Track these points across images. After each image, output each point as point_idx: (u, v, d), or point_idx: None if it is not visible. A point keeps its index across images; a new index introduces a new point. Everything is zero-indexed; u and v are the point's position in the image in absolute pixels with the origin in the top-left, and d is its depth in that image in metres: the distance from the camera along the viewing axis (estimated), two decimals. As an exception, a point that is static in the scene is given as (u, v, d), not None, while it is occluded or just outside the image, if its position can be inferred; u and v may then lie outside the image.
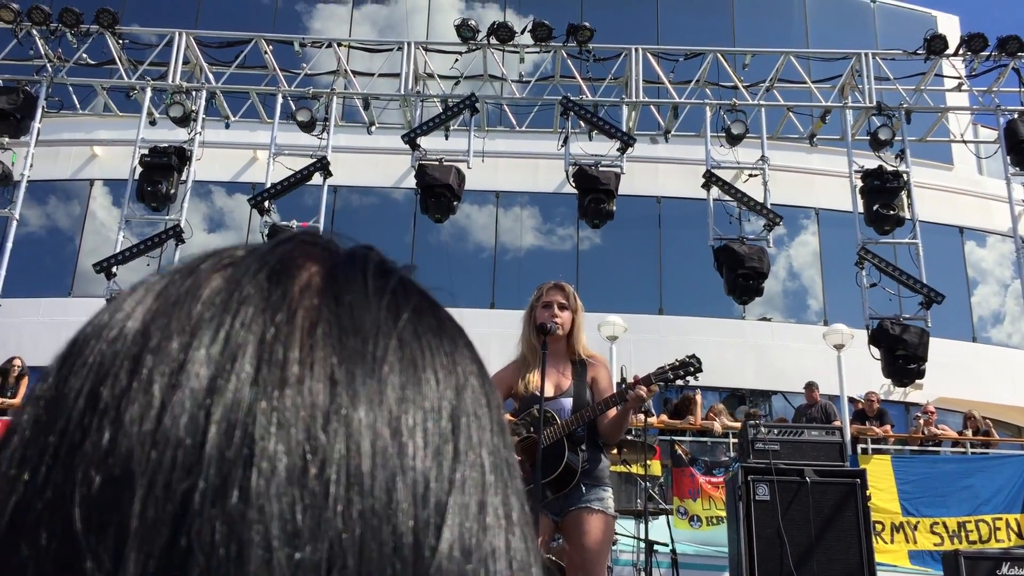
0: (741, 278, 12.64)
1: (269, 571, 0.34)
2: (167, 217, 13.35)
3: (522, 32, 14.11)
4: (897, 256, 13.86)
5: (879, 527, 11.29)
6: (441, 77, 14.73)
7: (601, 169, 13.19)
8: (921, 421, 14.62)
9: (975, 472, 12.33)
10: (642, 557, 8.50)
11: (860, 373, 14.40)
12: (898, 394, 15.67)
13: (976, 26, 31.96)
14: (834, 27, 22.60)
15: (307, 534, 0.35)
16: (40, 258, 20.21)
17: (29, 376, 13.60)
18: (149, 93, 14.02)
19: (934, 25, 20.05)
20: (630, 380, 4.93)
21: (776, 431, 8.08)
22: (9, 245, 13.20)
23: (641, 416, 8.35)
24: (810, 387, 14.16)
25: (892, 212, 13.13)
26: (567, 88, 14.43)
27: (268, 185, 13.35)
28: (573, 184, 13.31)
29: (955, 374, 18.28)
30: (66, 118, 15.35)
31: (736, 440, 11.55)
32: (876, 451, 13.42)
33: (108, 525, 0.35)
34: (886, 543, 11.49)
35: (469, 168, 13.32)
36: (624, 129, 13.71)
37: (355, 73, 14.99)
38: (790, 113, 15.04)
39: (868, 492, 7.72)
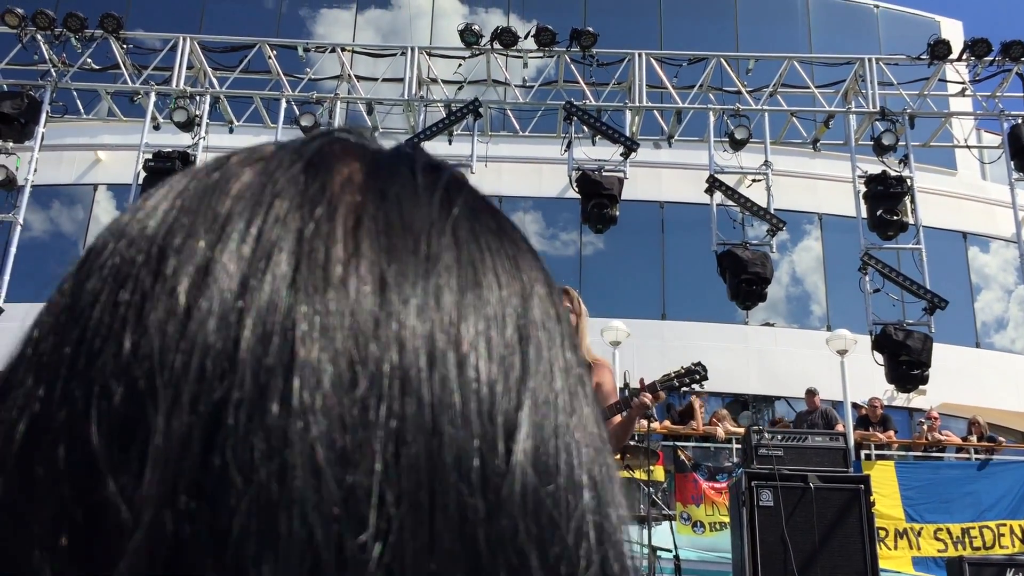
0: (744, 283, 12.63)
1: (317, 496, 0.31)
2: (170, 222, 13.35)
3: (525, 37, 14.13)
4: (900, 261, 13.84)
5: (883, 533, 11.27)
6: (444, 82, 14.75)
7: (604, 174, 13.20)
8: (925, 427, 14.60)
9: (979, 478, 12.31)
10: (645, 563, 8.48)
11: (863, 379, 14.38)
12: (901, 400, 15.66)
13: (980, 31, 31.96)
14: (837, 32, 22.61)
15: (357, 454, 0.32)
16: (43, 263, 20.23)
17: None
18: (153, 98, 14.05)
19: (937, 30, 20.07)
20: (635, 385, 4.92)
21: (780, 437, 8.07)
22: (13, 250, 13.23)
23: (644, 421, 8.34)
24: (811, 393, 14.14)
25: (895, 217, 13.12)
26: (570, 93, 14.44)
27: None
28: (576, 189, 13.32)
29: (959, 380, 18.25)
30: (70, 123, 15.39)
31: (739, 446, 11.53)
32: (880, 457, 13.39)
33: (131, 443, 0.32)
34: (890, 549, 11.46)
35: (472, 173, 13.33)
36: (627, 134, 13.71)
37: (359, 78, 15.02)
38: (793, 118, 15.04)
39: (872, 498, 7.70)
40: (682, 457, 12.59)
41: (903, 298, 13.05)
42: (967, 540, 11.68)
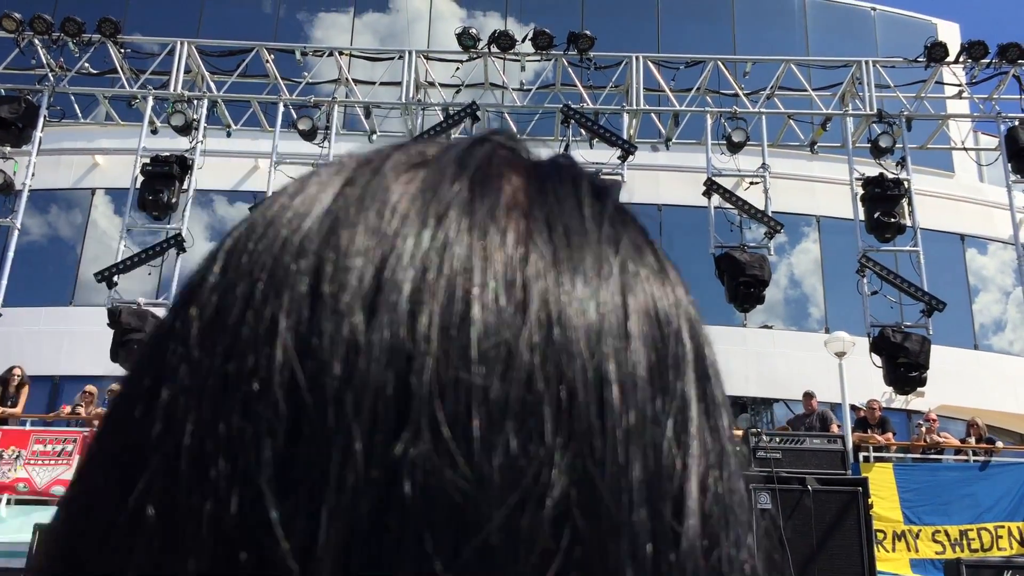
0: (742, 286, 12.64)
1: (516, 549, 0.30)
2: (168, 226, 13.36)
3: (523, 40, 14.15)
4: (898, 264, 13.85)
5: (881, 535, 11.25)
6: (442, 85, 14.77)
7: (602, 177, 13.20)
8: (923, 429, 14.57)
9: (977, 480, 12.29)
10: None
11: (862, 381, 14.37)
12: (900, 402, 15.65)
13: (976, 33, 32.01)
14: (834, 35, 22.64)
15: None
16: (41, 267, 20.22)
17: (29, 385, 13.58)
18: (151, 102, 14.06)
19: (934, 33, 20.09)
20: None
21: (778, 439, 8.07)
22: (10, 254, 13.22)
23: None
24: (808, 396, 14.12)
25: (893, 220, 13.14)
26: (568, 96, 14.45)
27: (269, 194, 13.36)
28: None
29: (957, 382, 18.25)
30: (68, 127, 15.40)
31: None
32: (878, 459, 13.36)
33: (296, 488, 0.30)
34: (888, 551, 11.44)
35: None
36: (625, 137, 13.73)
37: (356, 82, 15.03)
38: (791, 121, 15.06)
39: (870, 500, 7.70)
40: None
41: (901, 300, 13.05)
42: (965, 542, 11.66)
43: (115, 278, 12.63)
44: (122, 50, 14.21)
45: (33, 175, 13.55)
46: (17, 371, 13.63)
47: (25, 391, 13.41)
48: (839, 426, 13.13)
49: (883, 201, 13.21)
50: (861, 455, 13.35)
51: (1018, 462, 13.88)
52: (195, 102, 14.06)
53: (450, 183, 0.35)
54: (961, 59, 14.24)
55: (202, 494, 0.30)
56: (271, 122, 14.48)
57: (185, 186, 13.44)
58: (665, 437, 0.33)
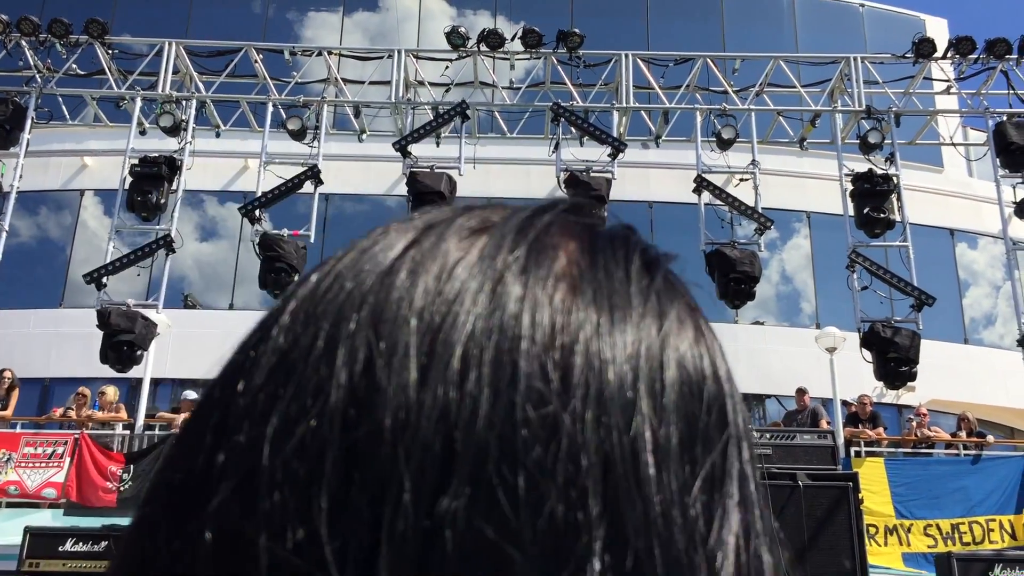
0: (733, 282, 12.66)
1: None
2: (158, 227, 13.32)
3: (512, 39, 14.14)
4: (888, 259, 13.88)
5: (872, 530, 11.28)
6: (432, 84, 14.75)
7: (592, 175, 13.21)
8: (914, 423, 14.62)
9: (968, 474, 12.33)
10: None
11: (853, 376, 14.40)
12: (891, 396, 15.69)
13: (964, 29, 32.07)
14: (823, 32, 22.67)
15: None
16: (31, 269, 20.14)
17: (20, 388, 13.53)
18: (139, 103, 14.01)
19: (922, 28, 20.12)
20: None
21: (768, 435, 8.09)
22: (-1, 256, 13.17)
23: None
24: (801, 392, 14.15)
25: (882, 215, 13.17)
26: (558, 94, 14.45)
27: (259, 194, 13.35)
28: (564, 190, 13.32)
29: (947, 376, 18.30)
30: (56, 129, 15.34)
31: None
32: (869, 454, 13.41)
33: (352, 536, 0.32)
34: (880, 546, 11.47)
35: (461, 175, 13.33)
36: (615, 134, 13.74)
37: (346, 81, 15.00)
38: (780, 117, 15.09)
39: (860, 495, 7.72)
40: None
41: (891, 295, 13.08)
42: (957, 535, 11.70)
43: (104, 279, 12.59)
44: (110, 51, 14.15)
45: (21, 177, 13.49)
46: (7, 374, 13.57)
47: (15, 394, 13.36)
48: (829, 422, 13.17)
49: (872, 197, 13.24)
50: (852, 450, 13.39)
51: (1009, 455, 13.94)
52: (183, 103, 14.02)
53: (508, 251, 0.37)
54: (949, 55, 14.28)
55: (258, 527, 0.32)
56: (260, 122, 14.44)
57: (174, 187, 13.40)
58: (695, 509, 0.35)
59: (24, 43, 13.78)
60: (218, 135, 15.15)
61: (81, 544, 8.41)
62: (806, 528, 7.46)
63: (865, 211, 13.17)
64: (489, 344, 0.34)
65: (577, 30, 14.09)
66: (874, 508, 11.37)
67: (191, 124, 13.82)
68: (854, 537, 7.48)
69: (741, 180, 13.94)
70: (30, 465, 11.80)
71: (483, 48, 14.11)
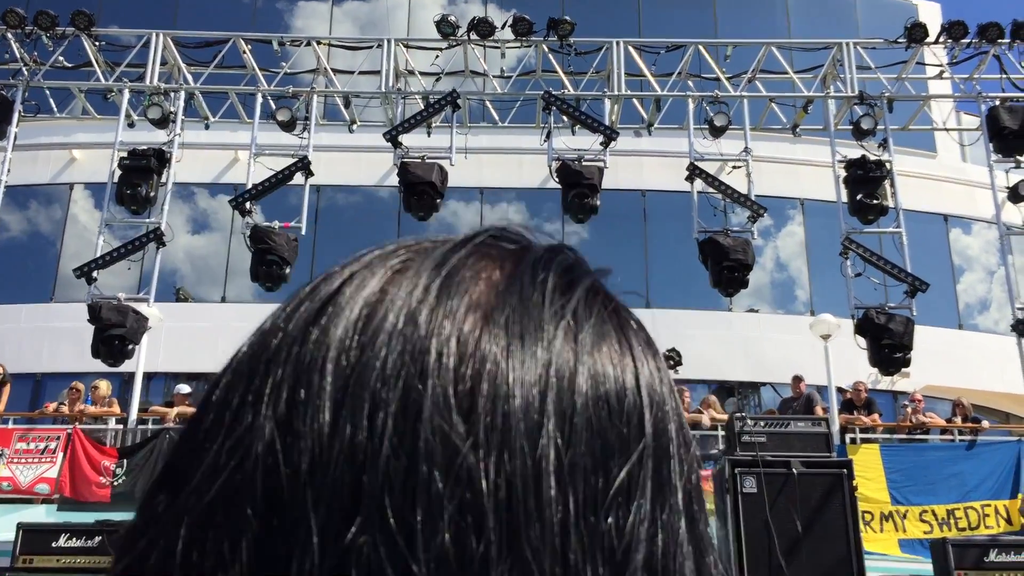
0: (726, 270, 12.63)
1: None
2: (148, 220, 13.23)
3: (503, 27, 14.05)
4: (882, 245, 13.86)
5: (868, 516, 11.29)
6: (422, 74, 14.66)
7: (584, 164, 13.14)
8: (909, 409, 14.62)
9: (963, 459, 12.35)
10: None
11: (848, 363, 14.39)
12: (886, 383, 15.69)
13: (957, 13, 32.04)
14: (815, 17, 22.60)
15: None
16: (21, 263, 20.04)
17: (11, 383, 13.46)
18: (127, 95, 13.90)
19: (915, 13, 20.04)
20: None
21: (763, 423, 8.06)
22: (-11, 251, 13.08)
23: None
24: (796, 380, 14.15)
25: (875, 202, 13.14)
26: (549, 83, 14.38)
27: (249, 186, 13.26)
28: (556, 179, 13.26)
29: (942, 362, 18.31)
30: (44, 122, 15.22)
31: (724, 433, 11.53)
32: (864, 440, 13.41)
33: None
34: (876, 532, 11.49)
35: (452, 165, 13.25)
36: (607, 123, 13.67)
37: (336, 71, 14.90)
38: (773, 104, 15.03)
39: (855, 482, 7.70)
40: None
41: (885, 282, 13.06)
42: (952, 521, 11.72)
43: (94, 274, 12.50)
44: (97, 43, 14.03)
45: (9, 171, 13.39)
46: (-1, 369, 13.52)
47: (7, 389, 13.31)
48: (824, 408, 13.16)
49: (865, 183, 13.20)
50: (848, 437, 13.39)
51: (1004, 441, 13.96)
52: (172, 94, 13.91)
53: (423, 288, 0.38)
54: (941, 39, 14.22)
55: (196, 569, 0.35)
56: (250, 113, 14.34)
57: (163, 180, 13.30)
58: (606, 522, 0.35)
59: (10, 35, 13.67)
60: (207, 127, 15.05)
61: (75, 540, 8.36)
62: (800, 516, 7.43)
63: (858, 197, 13.13)
64: (398, 382, 0.35)
65: (568, 18, 14.00)
66: (869, 495, 11.37)
67: (180, 116, 13.72)
68: (849, 524, 7.46)
69: (734, 167, 13.89)
70: (23, 461, 11.76)
71: (473, 37, 14.02)
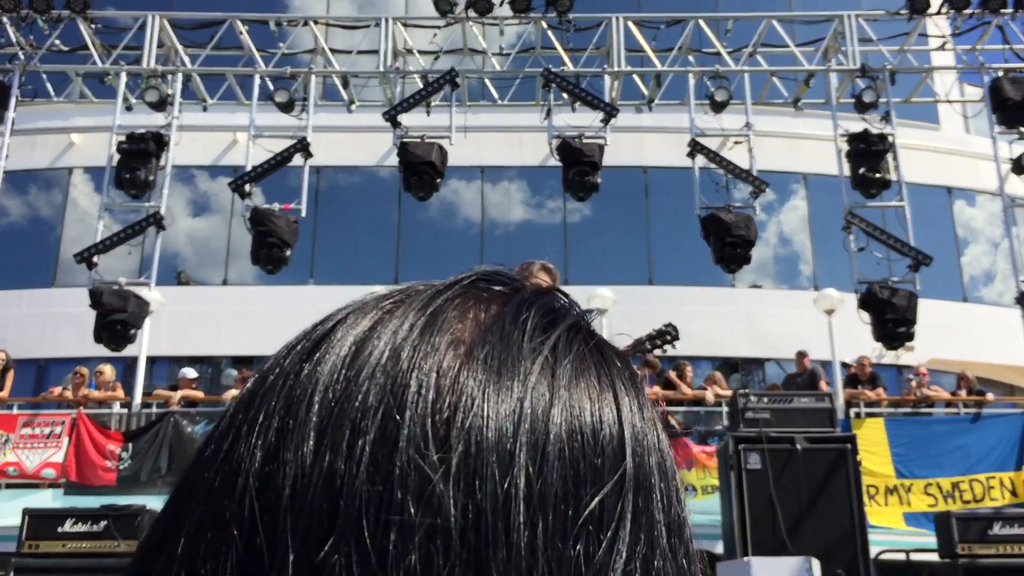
0: (729, 246, 12.57)
1: None
2: (148, 204, 13.19)
3: (501, 4, 13.92)
4: (886, 219, 13.78)
5: (873, 490, 11.29)
6: (421, 52, 14.55)
7: (585, 141, 13.06)
8: (913, 383, 14.60)
9: (968, 432, 12.33)
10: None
11: (852, 337, 14.36)
12: (890, 357, 15.64)
13: (961, -16, 31.68)
14: (817, -11, 22.38)
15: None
16: (22, 249, 20.02)
17: (15, 369, 13.47)
18: (124, 78, 13.82)
19: (918, -16, 19.85)
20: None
21: (766, 399, 8.04)
22: (-11, 237, 13.05)
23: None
24: (801, 355, 14.12)
25: (878, 175, 13.06)
26: (548, 60, 14.27)
27: (248, 168, 13.20)
28: (557, 157, 13.18)
29: (947, 335, 18.28)
30: (41, 106, 15.15)
31: (728, 409, 11.52)
32: (869, 415, 13.40)
33: None
34: (881, 506, 11.50)
35: (452, 144, 13.18)
36: (607, 99, 13.58)
37: (333, 51, 14.79)
38: (774, 78, 14.91)
39: (859, 457, 7.69)
40: (672, 422, 12.58)
41: (889, 256, 13.00)
42: (957, 494, 11.72)
43: (95, 258, 12.48)
44: (93, 25, 13.93)
45: (7, 156, 13.33)
46: (1, 355, 13.52)
47: (11, 375, 13.32)
48: (828, 383, 13.15)
49: (868, 157, 13.11)
50: (852, 411, 13.38)
51: (1009, 413, 13.95)
52: (169, 77, 13.83)
53: (409, 326, 0.41)
54: (943, 10, 14.07)
55: None
56: (248, 95, 14.25)
57: (162, 163, 13.24)
58: (575, 549, 0.36)
59: (5, 19, 13.58)
60: (205, 109, 14.97)
61: (80, 524, 8.37)
62: (805, 491, 7.43)
63: (861, 171, 13.05)
64: (377, 414, 0.37)
65: (566, -7, 13.86)
66: (874, 469, 11.37)
67: (177, 98, 13.64)
68: (853, 498, 7.46)
69: (736, 143, 13.81)
70: (28, 446, 11.78)
71: (471, 14, 13.90)
